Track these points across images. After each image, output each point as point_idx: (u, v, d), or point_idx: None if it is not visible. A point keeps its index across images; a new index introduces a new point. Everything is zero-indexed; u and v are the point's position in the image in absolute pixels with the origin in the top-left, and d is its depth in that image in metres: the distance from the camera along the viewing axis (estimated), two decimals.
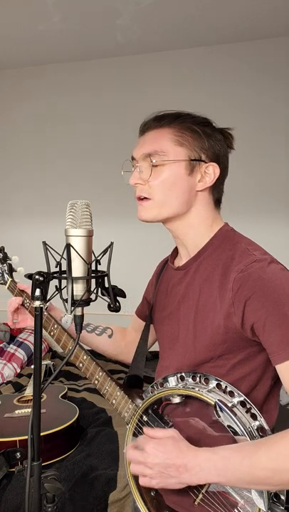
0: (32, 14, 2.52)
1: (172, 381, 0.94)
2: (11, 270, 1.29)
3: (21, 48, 3.04)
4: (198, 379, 0.91)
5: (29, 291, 1.21)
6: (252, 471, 0.77)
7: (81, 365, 1.08)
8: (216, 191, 1.01)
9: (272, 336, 0.83)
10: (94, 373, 1.06)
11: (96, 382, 1.07)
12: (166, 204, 0.96)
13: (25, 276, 0.87)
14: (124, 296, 0.87)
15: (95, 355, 1.12)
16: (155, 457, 0.84)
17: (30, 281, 0.78)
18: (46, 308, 1.13)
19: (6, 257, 1.32)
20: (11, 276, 1.28)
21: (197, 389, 0.88)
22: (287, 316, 0.82)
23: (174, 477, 0.82)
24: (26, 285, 1.23)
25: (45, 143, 3.38)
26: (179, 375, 0.94)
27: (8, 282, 1.27)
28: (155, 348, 1.17)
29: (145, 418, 0.98)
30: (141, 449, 0.87)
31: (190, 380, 0.92)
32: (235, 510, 0.83)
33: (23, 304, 1.22)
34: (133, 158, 1.01)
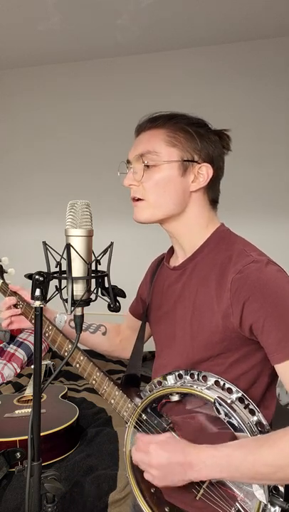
0: (32, 14, 2.52)
1: (171, 379, 0.95)
2: (2, 272, 1.27)
3: (21, 48, 3.04)
4: (196, 377, 0.91)
5: (21, 293, 1.21)
6: (255, 468, 0.78)
7: (78, 365, 1.08)
8: (211, 192, 1.01)
9: (271, 336, 0.83)
10: (91, 374, 1.07)
11: (94, 382, 1.07)
12: (160, 205, 0.97)
13: (25, 276, 0.87)
14: (124, 296, 0.88)
15: (94, 353, 1.12)
16: (159, 457, 0.85)
17: (24, 282, 0.78)
18: None
19: None
20: (2, 278, 1.26)
21: (196, 386, 0.89)
22: (286, 316, 0.83)
23: (178, 474, 0.83)
24: (18, 287, 1.22)
25: (44, 142, 3.38)
26: (177, 373, 0.94)
27: (0, 284, 1.26)
28: (154, 347, 1.17)
29: (144, 417, 0.98)
30: (143, 452, 0.88)
31: (188, 378, 0.92)
32: (236, 503, 0.84)
33: (16, 306, 1.20)
34: (128, 161, 1.01)
